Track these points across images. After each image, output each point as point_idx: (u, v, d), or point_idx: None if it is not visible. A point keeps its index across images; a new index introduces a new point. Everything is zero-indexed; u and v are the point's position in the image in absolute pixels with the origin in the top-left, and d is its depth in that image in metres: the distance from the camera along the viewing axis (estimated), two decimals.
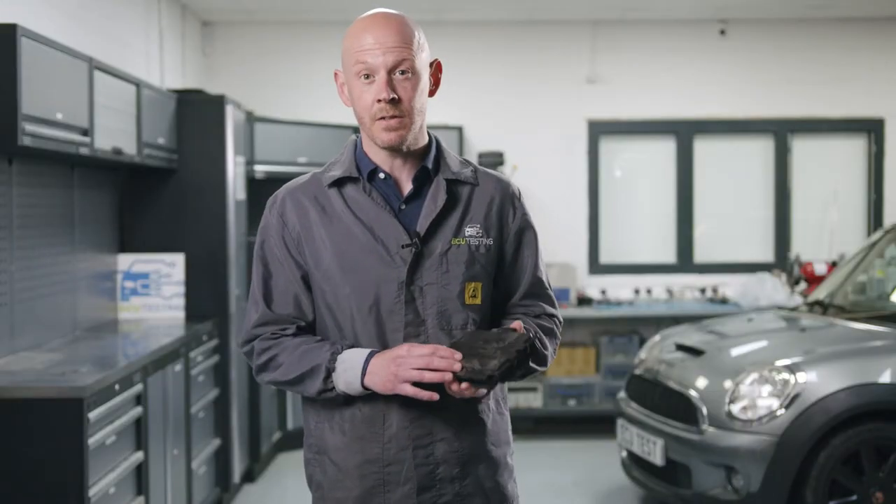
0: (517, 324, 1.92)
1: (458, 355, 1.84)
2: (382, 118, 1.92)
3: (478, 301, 1.99)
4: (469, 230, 1.99)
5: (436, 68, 2.02)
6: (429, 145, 2.04)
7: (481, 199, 2.03)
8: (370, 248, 1.94)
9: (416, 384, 1.85)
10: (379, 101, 1.90)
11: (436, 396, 1.85)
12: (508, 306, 2.08)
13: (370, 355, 1.90)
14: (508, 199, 2.06)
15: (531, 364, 1.98)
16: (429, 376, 1.83)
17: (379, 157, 2.00)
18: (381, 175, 2.00)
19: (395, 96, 1.90)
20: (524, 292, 2.08)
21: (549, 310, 2.11)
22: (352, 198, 1.98)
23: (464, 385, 1.84)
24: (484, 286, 2.00)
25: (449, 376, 1.83)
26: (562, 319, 2.15)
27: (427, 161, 2.01)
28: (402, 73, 1.91)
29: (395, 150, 1.96)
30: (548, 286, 2.12)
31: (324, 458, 2.00)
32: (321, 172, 2.04)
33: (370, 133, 1.96)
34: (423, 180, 2.00)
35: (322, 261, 1.97)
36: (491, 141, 7.12)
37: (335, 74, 2.02)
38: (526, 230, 2.08)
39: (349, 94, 1.98)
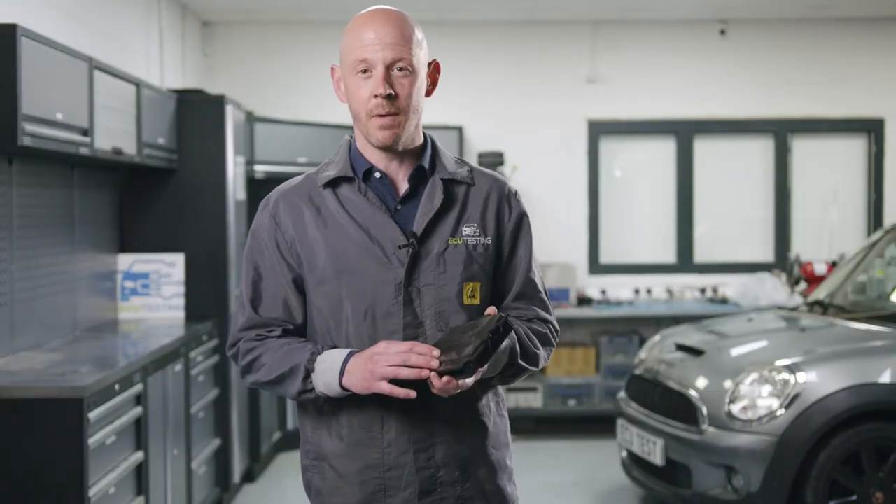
0: (491, 309, 1.87)
1: (436, 352, 1.79)
2: (378, 115, 1.90)
3: (476, 301, 1.97)
4: (466, 230, 1.98)
5: (434, 69, 2.01)
6: (424, 145, 2.02)
7: (477, 198, 2.01)
8: (366, 250, 1.93)
9: (395, 382, 1.80)
10: (376, 96, 1.89)
11: (413, 394, 1.80)
12: (501, 308, 2.05)
13: (349, 355, 1.87)
14: (504, 198, 2.04)
15: (521, 362, 1.95)
16: (405, 373, 1.78)
17: (374, 157, 1.98)
18: (377, 175, 1.98)
19: (392, 92, 1.89)
20: (516, 293, 2.05)
21: (543, 314, 2.07)
22: (347, 198, 1.96)
23: (444, 379, 1.78)
24: (483, 286, 1.98)
25: (426, 373, 1.78)
26: (557, 326, 2.10)
27: (423, 160, 1.99)
28: (401, 69, 1.90)
29: (389, 149, 1.95)
30: (541, 289, 2.08)
31: (323, 464, 1.98)
32: (315, 173, 2.02)
33: (365, 130, 1.94)
34: (418, 180, 1.99)
35: (317, 263, 1.95)
36: (491, 141, 7.12)
37: (332, 70, 2.00)
38: (521, 230, 2.06)
39: (345, 89, 1.96)
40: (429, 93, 2.00)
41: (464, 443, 1.96)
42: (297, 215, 1.97)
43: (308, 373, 1.90)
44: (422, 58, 1.95)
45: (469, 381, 1.81)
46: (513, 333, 1.94)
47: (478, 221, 1.99)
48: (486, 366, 1.81)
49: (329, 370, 1.87)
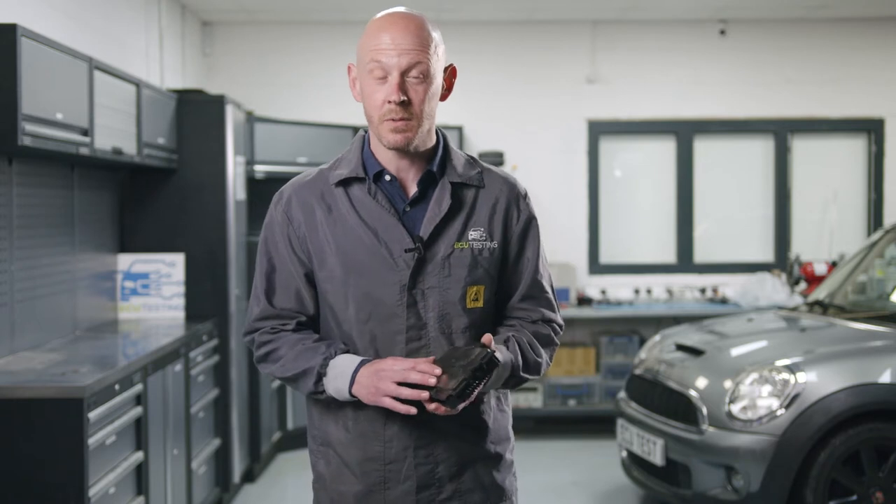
0: (486, 337, 1.90)
1: (437, 370, 1.84)
2: (391, 119, 1.91)
3: (480, 304, 1.98)
4: (472, 234, 1.99)
5: (450, 73, 2.01)
6: (436, 146, 2.02)
7: (486, 202, 2.02)
8: (374, 251, 1.94)
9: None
10: (389, 102, 1.89)
11: (413, 411, 1.85)
12: (507, 308, 2.07)
13: (360, 364, 1.90)
14: (514, 200, 2.05)
15: (523, 374, 1.99)
16: (406, 392, 1.83)
17: (385, 158, 1.99)
18: (387, 177, 1.99)
19: (406, 99, 1.89)
20: (523, 294, 2.06)
21: (548, 315, 2.09)
22: (357, 198, 1.98)
23: (433, 405, 1.83)
24: (486, 290, 1.99)
25: (425, 395, 1.83)
26: (562, 324, 2.13)
27: (433, 164, 2.00)
28: (416, 76, 1.90)
29: (401, 151, 1.95)
30: (548, 289, 2.10)
31: (328, 451, 2.02)
32: (328, 169, 2.03)
33: (377, 132, 1.95)
34: (428, 182, 1.99)
35: (326, 261, 1.97)
36: (491, 141, 7.12)
37: (348, 68, 2.01)
38: (529, 232, 2.06)
39: (360, 90, 1.96)
40: (444, 97, 2.00)
41: (464, 440, 1.99)
42: (309, 212, 1.99)
43: (320, 377, 1.93)
44: (438, 63, 1.94)
45: (459, 407, 1.85)
46: (515, 346, 1.98)
47: (485, 225, 2.00)
48: (470, 399, 1.85)
49: (340, 377, 1.91)
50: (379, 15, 1.95)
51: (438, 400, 1.83)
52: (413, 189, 1.99)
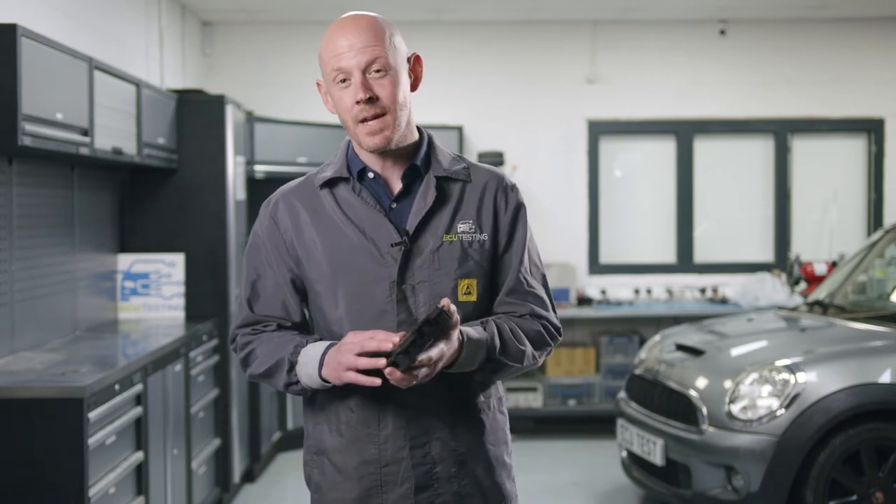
0: (444, 300, 1.80)
1: (396, 338, 1.77)
2: (364, 120, 1.91)
3: (473, 298, 1.96)
4: (461, 226, 1.97)
5: (414, 62, 2.01)
6: (419, 142, 2.02)
7: (473, 194, 2.01)
8: (361, 248, 1.94)
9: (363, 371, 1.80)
10: (357, 102, 1.90)
11: (377, 382, 1.79)
12: (495, 304, 2.03)
13: (329, 347, 1.89)
14: (501, 192, 2.03)
15: (500, 357, 1.91)
16: (364, 362, 1.78)
17: (369, 158, 1.99)
18: (371, 174, 1.99)
19: (373, 95, 1.90)
20: (508, 289, 2.01)
21: (538, 311, 2.03)
22: (343, 198, 1.98)
23: (387, 370, 1.76)
24: (479, 283, 1.98)
25: (381, 361, 1.76)
26: (557, 323, 2.06)
27: (416, 159, 2.00)
28: (377, 71, 1.90)
29: (381, 151, 1.96)
30: (534, 284, 2.04)
31: (322, 459, 2.01)
32: (315, 174, 2.04)
33: (355, 137, 1.96)
34: (413, 178, 1.99)
35: (313, 262, 1.97)
36: (491, 141, 7.12)
37: (318, 85, 2.02)
38: (517, 223, 2.03)
39: (331, 101, 1.98)
40: (414, 87, 2.00)
41: (459, 439, 1.97)
42: (295, 216, 2.00)
43: (292, 365, 1.93)
44: (398, 55, 1.95)
45: (422, 372, 1.78)
46: (493, 327, 1.92)
47: (473, 218, 1.99)
48: (416, 359, 1.76)
49: (310, 362, 1.90)
50: (331, 24, 1.96)
51: (394, 363, 1.75)
52: (398, 186, 1.99)
